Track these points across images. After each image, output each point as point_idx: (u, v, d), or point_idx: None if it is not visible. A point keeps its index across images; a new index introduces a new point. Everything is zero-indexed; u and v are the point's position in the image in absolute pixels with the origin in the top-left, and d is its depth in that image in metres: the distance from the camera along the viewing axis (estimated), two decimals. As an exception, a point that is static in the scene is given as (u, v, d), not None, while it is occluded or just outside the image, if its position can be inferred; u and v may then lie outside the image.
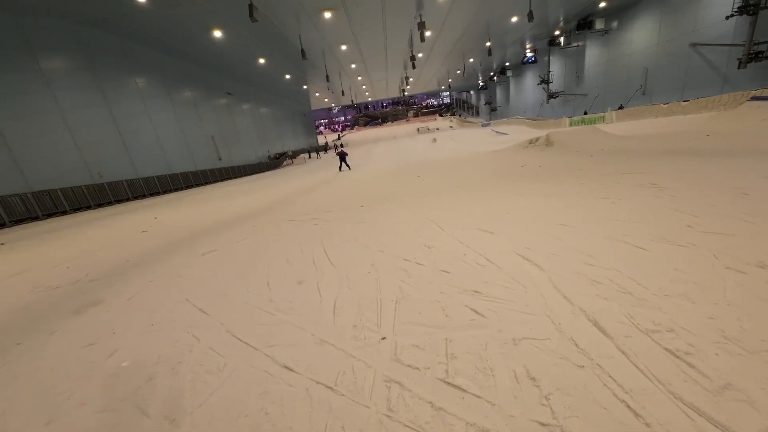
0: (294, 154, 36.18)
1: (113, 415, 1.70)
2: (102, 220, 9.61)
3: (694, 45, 18.75)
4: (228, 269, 3.59)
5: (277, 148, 34.83)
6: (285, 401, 1.63)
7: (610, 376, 1.47)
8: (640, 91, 22.99)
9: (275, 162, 31.86)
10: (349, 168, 17.09)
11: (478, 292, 2.33)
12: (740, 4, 14.92)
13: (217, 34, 17.14)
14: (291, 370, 1.83)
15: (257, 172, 27.22)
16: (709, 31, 17.60)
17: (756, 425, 1.18)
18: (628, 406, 1.31)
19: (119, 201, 14.84)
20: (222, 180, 22.75)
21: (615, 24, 24.23)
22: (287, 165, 32.48)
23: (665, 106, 17.59)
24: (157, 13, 14.10)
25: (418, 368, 1.70)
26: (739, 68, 15.72)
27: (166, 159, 18.46)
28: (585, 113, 23.69)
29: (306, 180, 14.62)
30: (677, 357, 1.51)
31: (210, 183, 21.30)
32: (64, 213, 12.25)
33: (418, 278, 2.69)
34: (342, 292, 2.65)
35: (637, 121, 17.83)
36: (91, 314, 2.93)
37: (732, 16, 15.46)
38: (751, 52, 14.97)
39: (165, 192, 17.48)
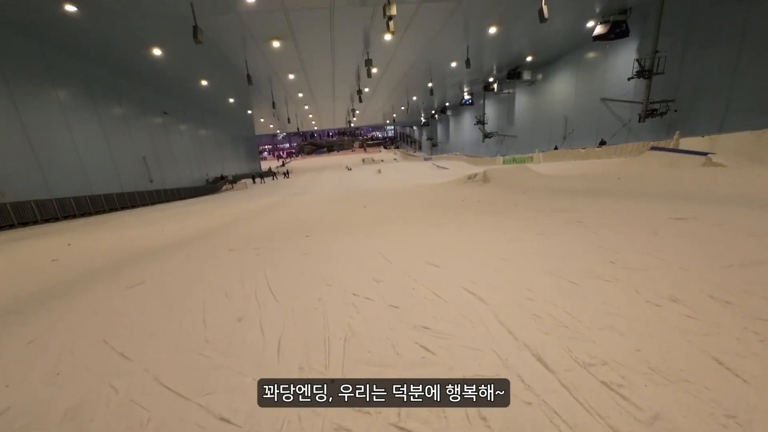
0: (235, 179, 34.76)
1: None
2: (1, 245, 8.33)
3: (603, 99, 21.61)
4: (157, 305, 3.24)
5: (217, 172, 33.29)
6: (221, 460, 1.46)
7: (555, 412, 1.51)
8: (563, 135, 25.72)
9: (214, 186, 30.33)
10: None
11: (427, 327, 2.33)
12: (638, 69, 17.62)
13: (157, 52, 16.35)
14: (228, 421, 1.66)
15: (194, 196, 25.64)
16: (615, 89, 20.47)
17: (683, 454, 1.28)
18: (574, 443, 1.36)
19: (25, 224, 13.04)
20: (153, 204, 21.07)
21: (540, 76, 27.26)
22: (227, 190, 31.06)
23: (583, 150, 19.81)
24: (90, 26, 13.18)
25: (368, 412, 1.63)
26: (639, 122, 18.36)
27: (87, 178, 16.72)
28: (556, 147, 25.01)
29: (247, 206, 14.03)
30: (612, 389, 1.61)
31: (138, 206, 19.59)
32: (-52, 237, 10.46)
33: (367, 314, 2.63)
34: (287, 329, 2.50)
35: (561, 163, 19.81)
36: (-23, 363, 2.45)
37: (632, 78, 18.17)
38: (648, 109, 17.59)
39: (83, 215, 15.73)
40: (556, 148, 24.66)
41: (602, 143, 20.95)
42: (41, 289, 4.15)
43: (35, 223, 13.37)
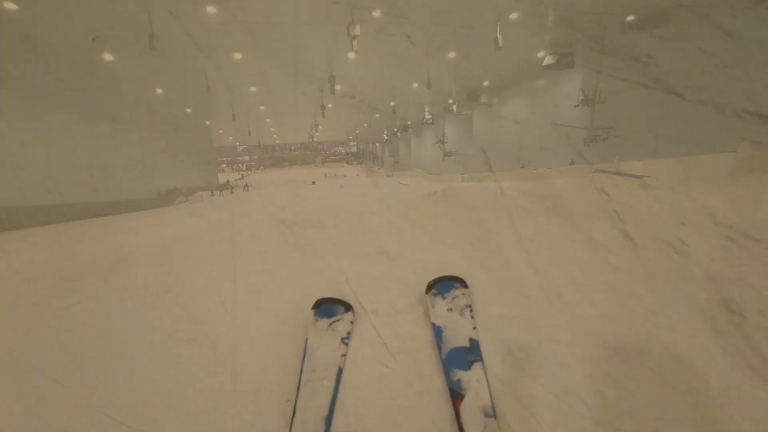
0: (189, 192, 33.29)
1: None
2: None
3: (555, 124, 23.19)
4: (96, 326, 3.03)
5: (170, 184, 31.75)
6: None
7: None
8: (519, 156, 27.11)
9: (167, 199, 28.87)
10: None
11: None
12: (582, 97, 19.20)
13: (108, 57, 15.59)
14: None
15: (144, 209, 24.18)
16: (564, 115, 22.07)
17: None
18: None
19: (-60, 239, 11.64)
20: (97, 216, 19.63)
21: (495, 100, 28.84)
22: (180, 203, 29.64)
23: (535, 171, 21.00)
24: (30, 23, 12.36)
25: None
26: (584, 146, 19.86)
27: (20, 188, 15.35)
28: (522, 166, 25.39)
29: (200, 220, 13.43)
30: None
31: (81, 219, 18.16)
32: None
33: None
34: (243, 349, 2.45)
35: (516, 182, 20.78)
36: None
37: (578, 106, 19.73)
38: (592, 135, 19.12)
39: (14, 228, 14.35)
40: (522, 167, 25.64)
41: (572, 163, 22.14)
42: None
43: (-46, 237, 12.02)
